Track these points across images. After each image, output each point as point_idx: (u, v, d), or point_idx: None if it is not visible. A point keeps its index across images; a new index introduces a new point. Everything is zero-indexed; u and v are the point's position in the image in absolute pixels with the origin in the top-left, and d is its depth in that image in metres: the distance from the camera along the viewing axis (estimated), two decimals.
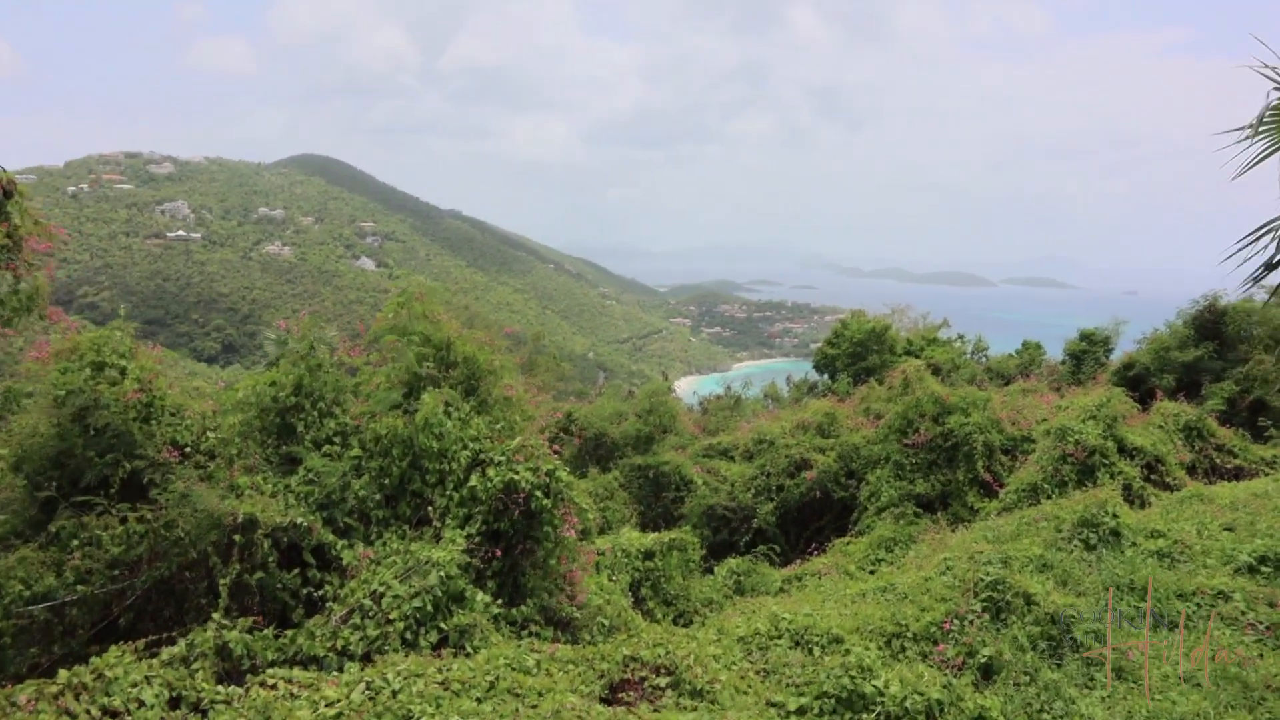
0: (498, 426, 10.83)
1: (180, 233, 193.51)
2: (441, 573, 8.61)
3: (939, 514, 18.49)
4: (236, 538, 8.66)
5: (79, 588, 8.31)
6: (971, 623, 9.93)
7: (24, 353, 10.06)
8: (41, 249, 8.45)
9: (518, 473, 9.69)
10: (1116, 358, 32.88)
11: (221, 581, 8.34)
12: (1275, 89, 7.26)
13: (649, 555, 13.62)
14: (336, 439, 10.31)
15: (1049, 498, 16.30)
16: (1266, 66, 7.22)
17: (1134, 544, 12.61)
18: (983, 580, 10.57)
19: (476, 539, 9.44)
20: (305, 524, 9.03)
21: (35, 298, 8.43)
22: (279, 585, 8.70)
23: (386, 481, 9.85)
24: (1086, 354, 34.40)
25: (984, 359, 41.23)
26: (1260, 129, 7.48)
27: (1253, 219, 7.63)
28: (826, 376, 41.15)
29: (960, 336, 43.87)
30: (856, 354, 38.97)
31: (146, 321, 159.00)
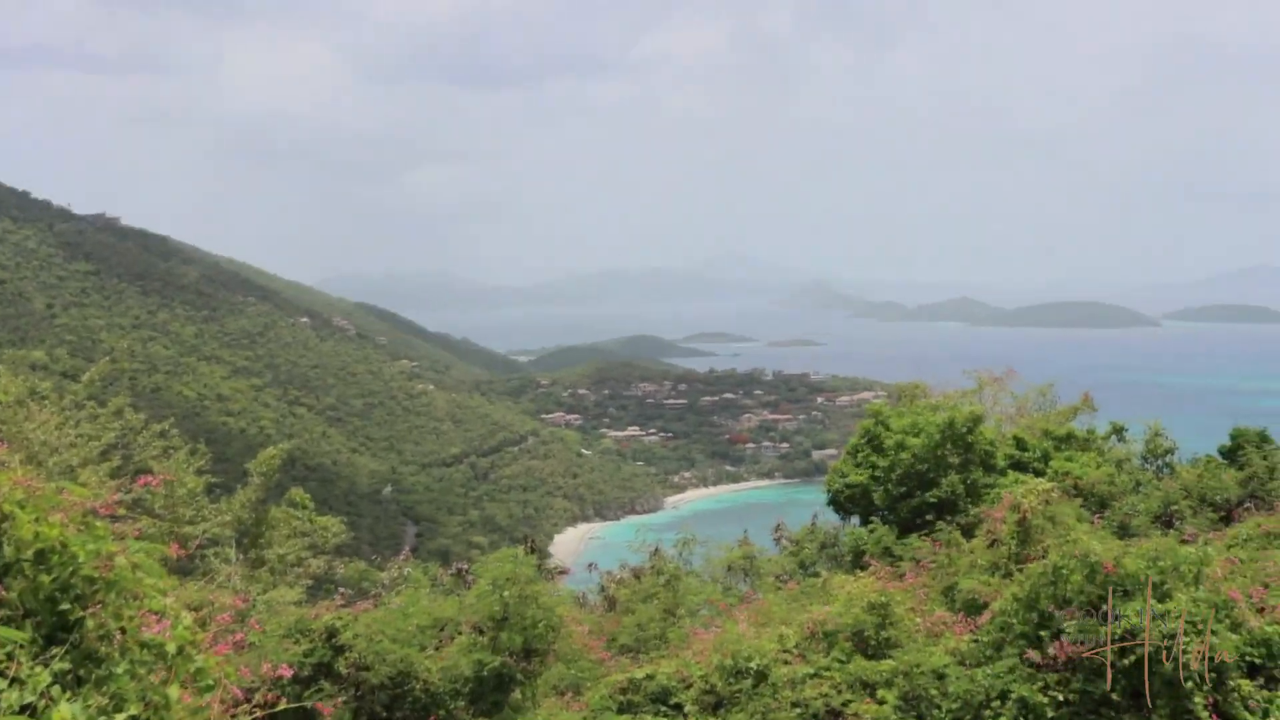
0: None
1: None
2: None
3: None
4: None
5: None
6: None
7: None
8: None
9: None
10: None
11: None
12: None
13: None
14: None
15: None
16: None
17: None
18: None
19: None
20: None
21: None
22: None
23: None
24: None
25: (1167, 468, 25.75)
26: None
27: None
28: (853, 521, 25.05)
29: (1119, 430, 27.54)
30: (917, 476, 22.88)
31: None
